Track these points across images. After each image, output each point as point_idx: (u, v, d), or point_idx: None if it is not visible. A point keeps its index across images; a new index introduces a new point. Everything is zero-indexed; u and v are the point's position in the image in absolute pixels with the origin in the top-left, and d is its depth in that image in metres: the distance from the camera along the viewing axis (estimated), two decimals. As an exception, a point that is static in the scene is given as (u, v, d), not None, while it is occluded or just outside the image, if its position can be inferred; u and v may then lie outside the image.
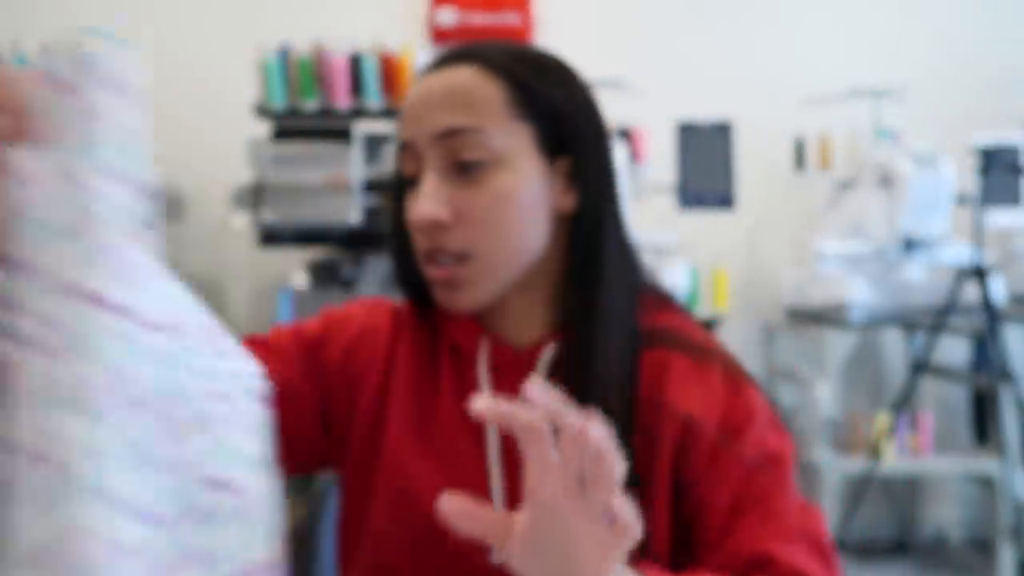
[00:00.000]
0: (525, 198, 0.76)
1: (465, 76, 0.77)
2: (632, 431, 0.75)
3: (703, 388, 0.77)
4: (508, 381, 0.80)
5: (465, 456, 0.80)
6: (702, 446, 0.75)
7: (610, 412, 0.71)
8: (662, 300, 0.84)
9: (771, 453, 0.75)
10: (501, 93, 0.76)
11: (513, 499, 0.77)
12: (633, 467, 0.71)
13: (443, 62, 0.79)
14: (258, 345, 0.82)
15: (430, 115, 0.76)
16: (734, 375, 0.79)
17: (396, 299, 0.89)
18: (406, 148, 0.78)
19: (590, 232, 0.79)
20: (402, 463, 0.80)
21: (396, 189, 0.82)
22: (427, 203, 0.75)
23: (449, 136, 0.75)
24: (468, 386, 0.81)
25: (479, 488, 0.78)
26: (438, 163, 0.76)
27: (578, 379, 0.76)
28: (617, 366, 0.77)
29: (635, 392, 0.77)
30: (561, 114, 0.78)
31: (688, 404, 0.76)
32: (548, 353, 0.80)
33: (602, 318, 0.77)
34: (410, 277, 0.84)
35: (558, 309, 0.81)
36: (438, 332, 0.85)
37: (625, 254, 0.82)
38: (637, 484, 0.71)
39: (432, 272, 0.77)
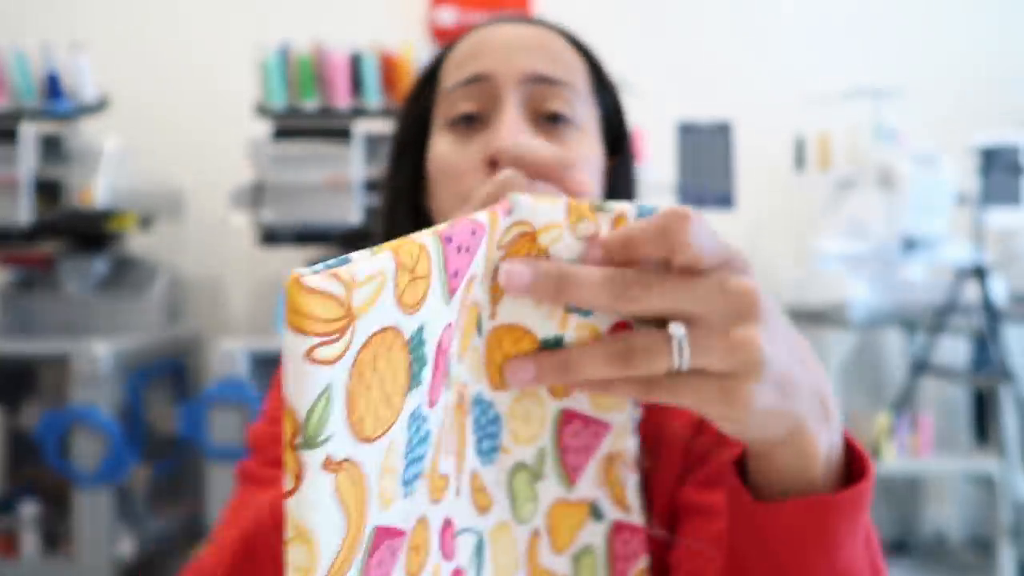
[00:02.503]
0: (598, 175, 0.69)
1: (553, 37, 0.71)
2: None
3: None
4: None
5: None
6: (692, 457, 0.67)
7: None
8: None
9: None
10: (583, 65, 0.71)
11: None
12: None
13: (517, 21, 0.72)
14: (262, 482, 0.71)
15: (521, 55, 0.68)
16: None
17: None
18: (478, 81, 0.68)
19: None
20: None
21: (414, 129, 0.75)
22: (516, 133, 0.65)
23: (541, 82, 0.67)
24: None
25: None
26: (519, 106, 0.67)
27: None
28: None
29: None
30: (618, 110, 0.74)
31: (692, 422, 0.68)
32: None
33: None
34: None
35: None
36: None
37: None
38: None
39: None
